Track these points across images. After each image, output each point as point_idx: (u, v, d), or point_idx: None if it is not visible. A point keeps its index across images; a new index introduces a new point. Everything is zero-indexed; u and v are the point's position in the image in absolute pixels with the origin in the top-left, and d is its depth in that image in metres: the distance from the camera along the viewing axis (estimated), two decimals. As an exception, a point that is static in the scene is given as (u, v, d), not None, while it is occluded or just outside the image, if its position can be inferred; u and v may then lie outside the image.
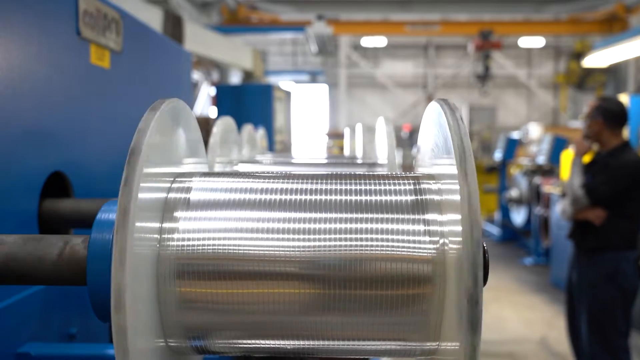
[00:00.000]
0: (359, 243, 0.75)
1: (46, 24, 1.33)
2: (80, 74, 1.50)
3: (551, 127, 15.28)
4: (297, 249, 0.75)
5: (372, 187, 0.81)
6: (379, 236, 0.75)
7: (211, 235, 0.76)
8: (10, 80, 1.19)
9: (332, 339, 0.78)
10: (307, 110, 22.02)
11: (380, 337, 0.78)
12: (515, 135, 12.24)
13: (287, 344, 0.80)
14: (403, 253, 0.74)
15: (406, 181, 0.82)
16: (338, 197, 0.79)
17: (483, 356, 5.33)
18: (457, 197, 0.67)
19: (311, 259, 0.74)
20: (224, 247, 0.75)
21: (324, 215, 0.77)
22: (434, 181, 0.81)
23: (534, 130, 13.27)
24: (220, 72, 13.31)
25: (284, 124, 6.23)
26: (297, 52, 22.12)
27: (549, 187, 8.14)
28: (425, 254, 0.74)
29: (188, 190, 0.81)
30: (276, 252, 0.75)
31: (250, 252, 0.75)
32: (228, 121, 1.69)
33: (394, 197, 0.79)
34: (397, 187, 0.81)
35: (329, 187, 0.81)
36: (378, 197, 0.79)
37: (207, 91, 14.41)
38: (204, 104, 14.53)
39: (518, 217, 10.07)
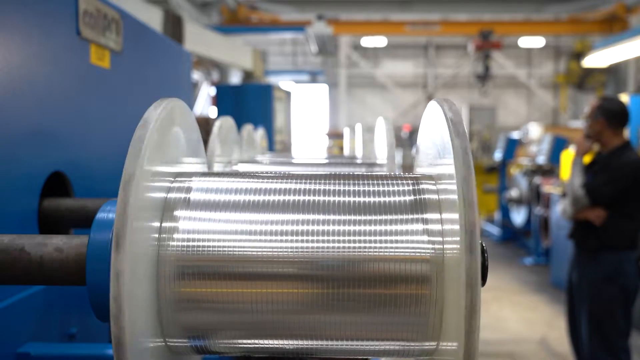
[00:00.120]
0: (358, 245, 0.75)
1: (46, 24, 1.33)
2: (80, 74, 1.50)
3: (551, 127, 15.27)
4: (296, 250, 0.75)
5: (371, 188, 0.81)
6: (378, 237, 0.75)
7: (211, 236, 0.77)
8: (10, 80, 1.19)
9: (332, 339, 0.78)
10: (307, 110, 22.01)
11: (380, 337, 0.78)
12: (515, 135, 12.24)
13: (287, 344, 0.80)
14: (402, 253, 0.74)
15: (405, 181, 0.82)
16: (337, 198, 0.79)
17: (483, 356, 5.33)
18: (455, 197, 0.67)
19: (311, 259, 0.74)
20: (224, 248, 0.76)
21: (323, 216, 0.77)
22: (433, 181, 0.81)
23: (534, 130, 13.27)
24: (220, 72, 13.33)
25: (284, 124, 6.24)
26: (297, 52, 22.12)
27: (549, 187, 8.14)
28: (424, 254, 0.74)
29: (188, 190, 0.81)
30: (276, 253, 0.75)
31: (250, 253, 0.75)
32: (228, 121, 1.69)
33: (393, 198, 0.79)
34: (396, 188, 0.81)
35: (328, 187, 0.81)
36: (377, 198, 0.79)
37: (207, 91, 14.41)
38: (204, 103, 14.53)
39: (518, 217, 10.07)
